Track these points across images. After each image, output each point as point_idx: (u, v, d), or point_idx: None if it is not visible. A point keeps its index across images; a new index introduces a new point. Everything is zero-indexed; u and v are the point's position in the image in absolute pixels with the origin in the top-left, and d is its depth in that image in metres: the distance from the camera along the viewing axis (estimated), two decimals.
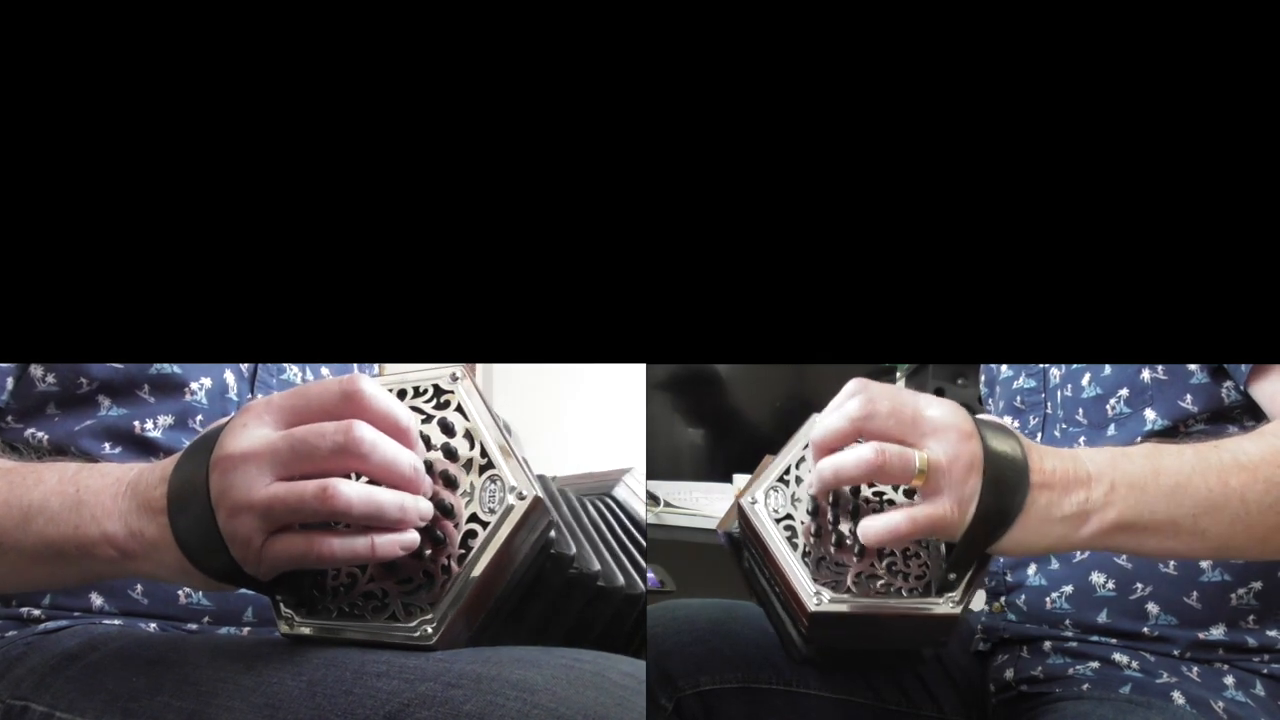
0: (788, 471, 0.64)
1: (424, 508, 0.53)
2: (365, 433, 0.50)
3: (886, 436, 0.57)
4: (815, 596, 0.58)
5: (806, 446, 0.63)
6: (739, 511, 0.64)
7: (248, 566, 0.51)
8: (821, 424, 0.60)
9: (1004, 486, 0.56)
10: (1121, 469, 0.59)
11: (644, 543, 0.73)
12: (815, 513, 0.62)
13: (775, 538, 0.61)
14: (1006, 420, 0.88)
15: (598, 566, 0.63)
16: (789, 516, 0.62)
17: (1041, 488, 0.57)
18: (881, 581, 0.60)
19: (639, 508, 0.76)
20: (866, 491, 0.63)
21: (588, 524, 0.70)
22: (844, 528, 0.62)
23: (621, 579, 0.66)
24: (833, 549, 0.61)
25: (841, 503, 0.62)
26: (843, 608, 0.58)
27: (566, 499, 0.69)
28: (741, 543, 0.67)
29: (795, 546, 0.61)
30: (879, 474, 0.57)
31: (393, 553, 0.52)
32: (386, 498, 0.51)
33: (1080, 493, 0.58)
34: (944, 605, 0.59)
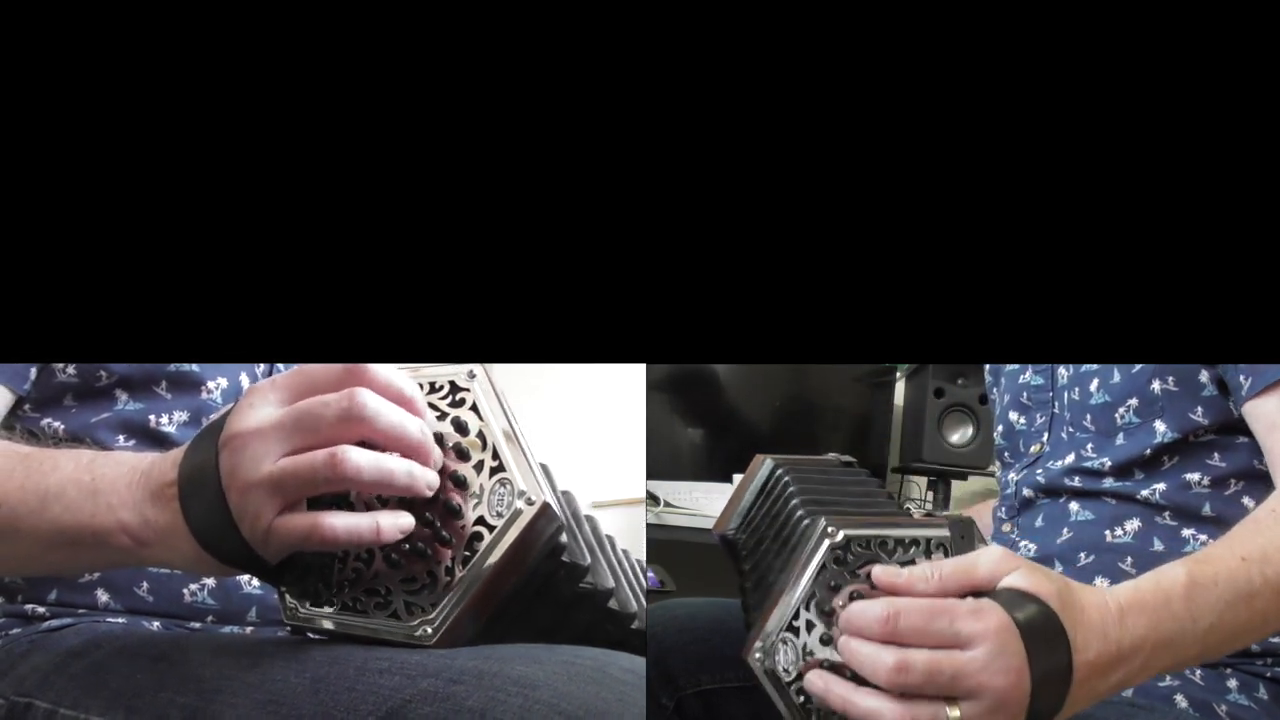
0: (797, 616, 0.57)
1: (431, 477, 0.53)
2: (368, 399, 0.50)
3: (920, 642, 0.53)
4: None
5: (821, 572, 0.57)
6: (745, 666, 0.58)
7: (257, 547, 0.51)
8: (852, 612, 0.55)
9: (1050, 703, 0.54)
10: (1160, 631, 0.57)
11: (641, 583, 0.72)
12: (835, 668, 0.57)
13: (788, 703, 0.57)
14: (1013, 416, 0.88)
15: (611, 584, 0.63)
16: (800, 677, 0.57)
17: (1084, 681, 0.55)
18: None
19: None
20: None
21: (609, 553, 0.69)
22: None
23: (634, 606, 0.66)
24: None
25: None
26: None
27: (592, 524, 0.69)
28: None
29: (809, 713, 0.57)
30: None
31: (395, 536, 0.52)
32: (396, 464, 0.51)
33: (1120, 670, 0.57)
34: None
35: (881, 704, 0.53)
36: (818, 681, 0.55)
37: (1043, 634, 0.53)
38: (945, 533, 0.59)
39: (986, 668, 0.52)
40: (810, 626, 0.57)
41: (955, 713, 0.52)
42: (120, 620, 0.68)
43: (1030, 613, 0.54)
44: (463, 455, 0.55)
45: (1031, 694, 0.53)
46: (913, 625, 0.53)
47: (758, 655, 0.57)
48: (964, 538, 0.59)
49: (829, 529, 0.57)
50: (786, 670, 0.57)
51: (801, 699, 0.57)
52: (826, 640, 0.57)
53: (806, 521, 0.60)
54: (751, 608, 0.67)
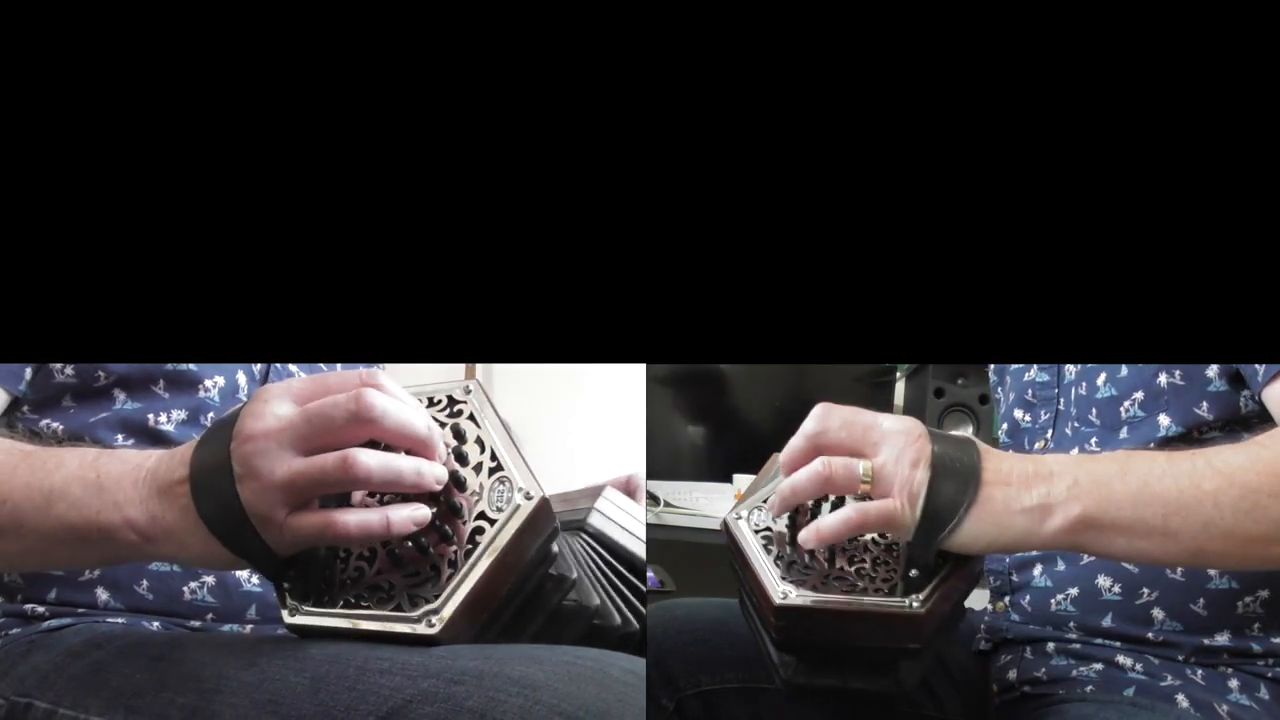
0: (769, 497, 0.66)
1: (439, 472, 0.54)
2: (375, 398, 0.52)
3: (841, 449, 0.60)
4: (781, 594, 0.60)
5: None
6: (724, 527, 0.67)
7: (271, 543, 0.52)
8: (788, 446, 0.63)
9: (952, 480, 0.58)
10: (1085, 467, 0.60)
11: (636, 581, 0.71)
12: (791, 525, 0.65)
13: (752, 546, 0.65)
14: (1018, 413, 0.88)
15: (597, 602, 0.63)
16: (768, 529, 0.66)
17: (996, 484, 0.59)
18: (848, 583, 0.62)
19: (622, 536, 0.73)
20: (831, 502, 0.65)
21: (582, 560, 0.69)
22: None
23: (618, 619, 0.66)
24: (806, 556, 0.64)
25: (810, 515, 0.65)
26: (806, 602, 0.60)
27: (567, 540, 0.68)
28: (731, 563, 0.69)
29: (770, 553, 0.64)
30: (828, 485, 0.60)
31: (407, 528, 0.53)
32: (404, 463, 0.53)
33: (1041, 487, 0.58)
34: (907, 604, 0.59)
35: (800, 470, 0.61)
36: (772, 498, 0.64)
37: (955, 439, 0.61)
38: None
39: (895, 425, 0.60)
40: None
41: (867, 466, 0.59)
42: (120, 619, 0.68)
43: (951, 434, 0.61)
44: (462, 459, 0.57)
45: (933, 459, 0.58)
46: (834, 424, 0.61)
47: (734, 515, 0.68)
48: None
49: None
50: (756, 525, 0.67)
51: (763, 542, 0.65)
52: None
53: None
54: (748, 619, 0.70)
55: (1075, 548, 0.61)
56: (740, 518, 0.67)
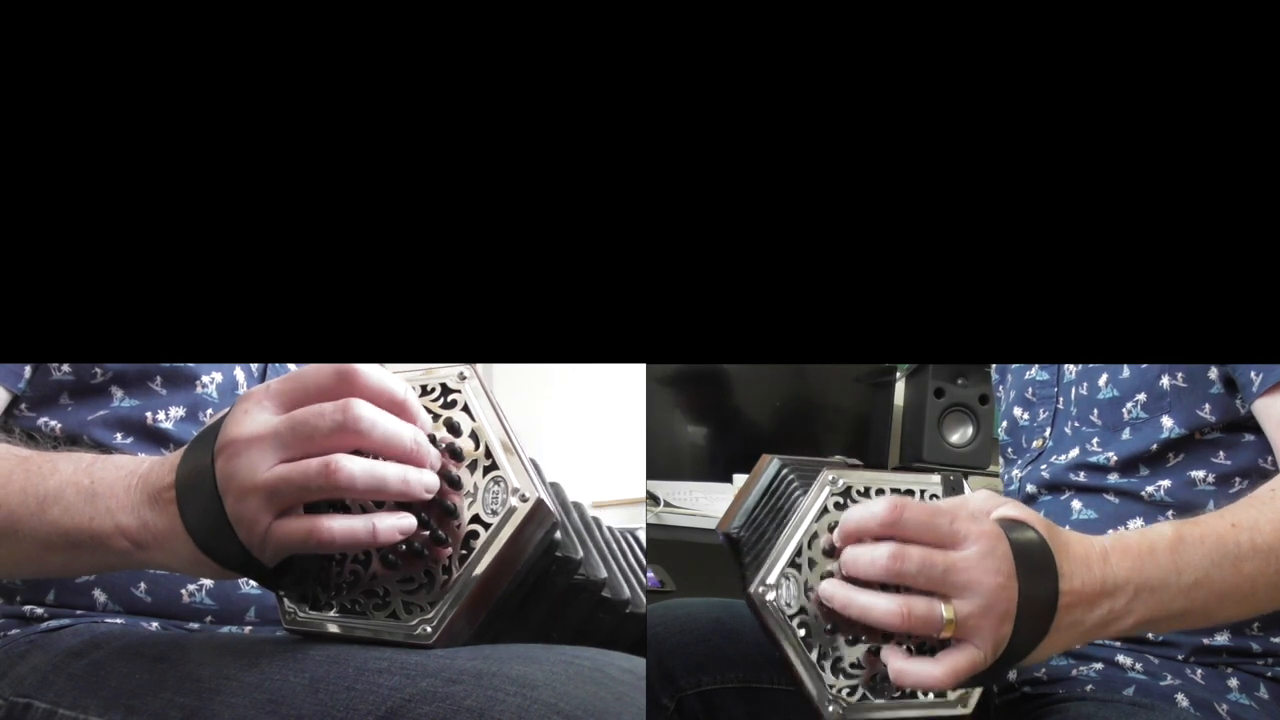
0: (799, 554, 0.60)
1: (428, 480, 0.53)
2: (364, 410, 0.51)
3: (917, 541, 0.56)
4: (831, 706, 0.58)
5: (822, 515, 0.60)
6: (749, 601, 0.60)
7: (255, 551, 0.51)
8: (853, 512, 0.58)
9: (1038, 622, 0.56)
10: (1146, 575, 0.59)
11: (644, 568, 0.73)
12: (828, 613, 0.59)
13: (789, 637, 0.59)
14: (1017, 411, 0.88)
15: (604, 574, 0.63)
16: (803, 610, 0.59)
17: (1069, 608, 0.57)
18: (894, 685, 0.58)
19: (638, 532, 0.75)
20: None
21: (599, 539, 0.69)
22: (862, 633, 0.60)
23: (628, 593, 0.66)
24: (846, 646, 0.59)
25: None
26: (856, 717, 0.58)
27: (580, 510, 0.69)
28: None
29: (810, 647, 0.59)
30: (902, 626, 0.55)
31: (393, 537, 0.52)
32: (389, 470, 0.52)
33: (1105, 605, 0.58)
34: (957, 708, 0.59)
35: (879, 598, 0.56)
36: (826, 587, 0.58)
37: (1029, 552, 0.56)
38: (938, 482, 0.63)
39: (979, 565, 0.55)
40: (812, 564, 0.60)
41: (949, 610, 0.55)
42: (119, 620, 0.68)
43: (1020, 533, 0.57)
44: (456, 456, 0.56)
45: (1018, 609, 0.55)
46: (914, 519, 0.55)
47: (760, 589, 0.59)
48: (955, 489, 0.63)
49: (830, 477, 0.61)
50: (788, 604, 0.59)
51: (803, 632, 0.59)
52: (827, 576, 0.59)
53: (803, 491, 0.63)
54: (749, 565, 0.68)
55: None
56: (767, 592, 0.59)
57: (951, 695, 0.59)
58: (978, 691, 0.60)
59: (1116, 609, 0.58)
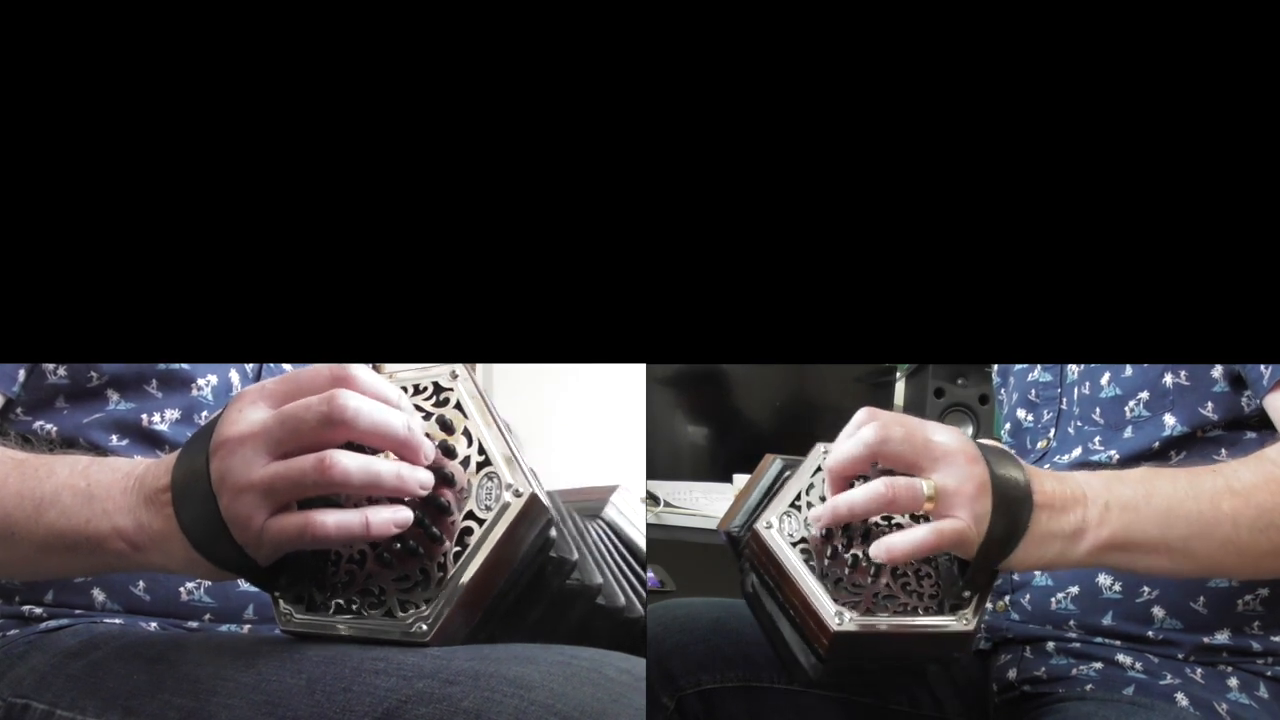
0: (799, 498, 0.65)
1: (423, 476, 0.53)
2: (348, 399, 0.50)
3: (900, 461, 0.60)
4: (837, 616, 0.60)
5: (816, 472, 0.65)
6: (754, 537, 0.64)
7: (250, 550, 0.51)
8: (837, 451, 0.62)
9: (1012, 506, 0.60)
10: (1115, 491, 0.61)
11: (641, 571, 0.73)
12: (828, 536, 0.64)
13: (793, 560, 0.62)
14: (1020, 413, 0.89)
15: (600, 580, 0.63)
16: (804, 540, 0.64)
17: (1043, 507, 0.60)
18: (898, 601, 0.62)
19: (631, 531, 0.76)
20: (876, 515, 0.64)
21: (592, 544, 0.69)
22: (857, 550, 0.63)
23: (622, 599, 0.66)
24: (848, 571, 0.63)
25: (854, 527, 0.64)
26: (864, 627, 0.60)
27: (573, 517, 0.69)
28: (748, 567, 0.67)
29: (813, 569, 0.62)
30: (890, 506, 0.60)
31: (387, 530, 0.52)
32: (384, 466, 0.52)
33: (1077, 511, 0.61)
34: (959, 622, 0.62)
35: (861, 488, 0.60)
36: (814, 510, 0.63)
37: (999, 451, 0.62)
38: None
39: (955, 444, 0.60)
40: (809, 506, 0.65)
41: (930, 486, 0.59)
42: (117, 620, 0.68)
43: (988, 445, 0.62)
44: (449, 453, 0.55)
45: (993, 487, 0.59)
46: (894, 436, 0.60)
47: (764, 525, 0.64)
48: None
49: (824, 449, 0.65)
50: (791, 535, 0.64)
51: (804, 556, 0.63)
52: None
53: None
54: (760, 613, 0.69)
55: (1101, 565, 0.63)
56: (771, 526, 0.64)
57: (953, 615, 0.62)
58: (979, 608, 0.62)
59: (1089, 518, 0.60)
